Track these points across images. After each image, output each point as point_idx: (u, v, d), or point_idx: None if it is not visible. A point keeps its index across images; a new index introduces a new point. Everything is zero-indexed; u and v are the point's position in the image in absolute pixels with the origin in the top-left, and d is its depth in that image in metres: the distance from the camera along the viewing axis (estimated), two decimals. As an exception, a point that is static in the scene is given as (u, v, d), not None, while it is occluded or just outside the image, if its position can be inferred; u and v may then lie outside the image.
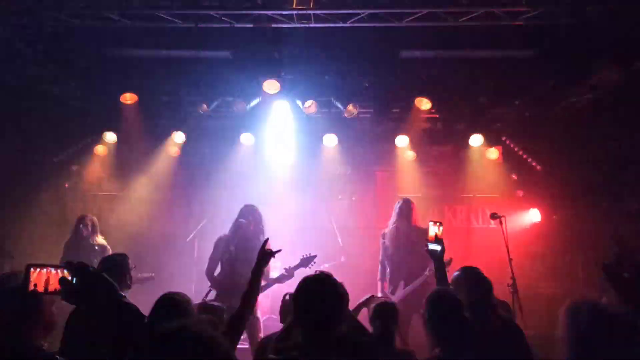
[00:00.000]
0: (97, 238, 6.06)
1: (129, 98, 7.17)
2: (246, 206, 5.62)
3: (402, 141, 7.73)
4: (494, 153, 7.65)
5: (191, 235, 7.68)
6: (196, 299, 4.95)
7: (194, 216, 8.13)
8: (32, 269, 1.67)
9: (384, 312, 3.47)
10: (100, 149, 7.83)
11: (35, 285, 1.65)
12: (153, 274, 5.50)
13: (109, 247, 5.98)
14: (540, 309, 7.06)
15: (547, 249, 7.49)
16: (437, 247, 3.39)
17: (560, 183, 7.41)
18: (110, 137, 7.72)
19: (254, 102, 7.43)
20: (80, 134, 7.89)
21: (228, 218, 5.75)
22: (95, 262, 5.54)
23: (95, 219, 6.19)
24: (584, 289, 7.21)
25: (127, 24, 5.52)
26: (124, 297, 1.66)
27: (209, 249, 7.57)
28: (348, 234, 7.89)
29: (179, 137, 7.81)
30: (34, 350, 2.41)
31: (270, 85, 6.75)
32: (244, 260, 5.21)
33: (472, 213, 7.95)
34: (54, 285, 1.65)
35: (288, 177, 8.16)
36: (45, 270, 1.68)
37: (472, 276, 3.15)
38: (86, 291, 1.63)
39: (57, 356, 2.46)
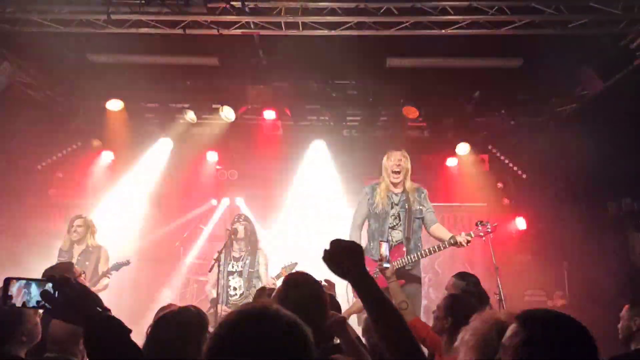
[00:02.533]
0: (91, 240, 5.76)
1: (115, 105, 7.11)
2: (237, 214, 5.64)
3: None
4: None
5: (177, 243, 7.62)
6: (181, 304, 4.93)
7: (181, 221, 8.07)
8: (10, 282, 1.62)
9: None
10: (85, 156, 7.73)
11: (11, 298, 1.60)
12: (129, 260, 5.58)
13: (104, 247, 5.77)
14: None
15: (532, 257, 7.54)
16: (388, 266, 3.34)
17: (545, 191, 7.48)
18: (96, 144, 7.63)
19: (241, 110, 7.41)
20: (65, 140, 7.78)
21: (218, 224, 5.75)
22: (90, 266, 5.52)
23: (89, 219, 5.90)
24: (569, 296, 7.27)
25: (113, 30, 5.47)
26: (109, 310, 1.61)
27: (194, 254, 7.58)
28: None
29: (166, 144, 7.74)
30: (13, 360, 2.37)
31: (258, 93, 6.74)
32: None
33: (458, 221, 7.98)
34: (35, 298, 1.60)
35: (275, 184, 8.16)
36: (24, 283, 1.62)
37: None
38: (69, 306, 1.58)
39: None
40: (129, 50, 6.29)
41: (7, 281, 1.62)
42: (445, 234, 4.80)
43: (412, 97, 7.23)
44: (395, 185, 5.04)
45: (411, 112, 7.20)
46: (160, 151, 7.84)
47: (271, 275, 5.40)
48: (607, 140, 6.17)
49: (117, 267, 5.51)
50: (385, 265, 3.23)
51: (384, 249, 3.29)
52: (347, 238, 4.70)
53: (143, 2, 5.20)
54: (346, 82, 7.41)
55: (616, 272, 6.60)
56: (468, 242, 4.59)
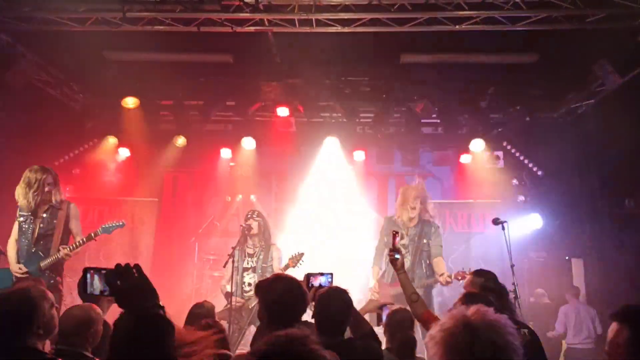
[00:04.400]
0: (56, 195, 4.81)
1: (130, 102, 7.19)
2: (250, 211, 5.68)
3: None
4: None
5: (192, 239, 7.69)
6: (195, 299, 4.99)
7: (195, 218, 8.15)
8: (89, 272, 1.71)
9: (401, 322, 3.42)
10: (102, 153, 7.84)
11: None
12: (123, 221, 4.94)
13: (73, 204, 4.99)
14: (540, 314, 7.07)
15: (547, 254, 7.48)
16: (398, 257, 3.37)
17: (561, 188, 7.40)
18: (112, 141, 7.73)
19: (254, 107, 7.45)
20: (82, 137, 7.89)
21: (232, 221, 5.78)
22: (59, 225, 4.75)
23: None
24: (584, 294, 7.20)
25: (129, 28, 5.53)
26: (162, 308, 1.65)
27: (209, 249, 7.64)
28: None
29: (180, 141, 7.81)
30: (34, 353, 2.41)
31: (271, 90, 6.76)
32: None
33: (473, 218, 7.93)
34: (97, 288, 1.68)
35: (288, 181, 8.19)
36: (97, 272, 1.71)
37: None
38: (127, 295, 1.62)
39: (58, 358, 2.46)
40: (144, 47, 6.35)
41: (86, 271, 1.71)
42: (440, 269, 5.35)
43: (426, 93, 7.21)
44: (410, 215, 5.59)
45: (425, 108, 7.18)
46: (175, 148, 7.92)
47: (279, 267, 5.44)
48: (624, 136, 6.08)
49: (109, 229, 4.80)
50: (396, 256, 3.22)
51: (397, 240, 3.31)
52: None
53: (158, 0, 5.27)
54: (359, 78, 7.40)
55: (633, 269, 6.51)
56: (447, 282, 5.17)
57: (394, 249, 3.22)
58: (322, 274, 3.11)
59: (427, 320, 3.00)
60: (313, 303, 2.84)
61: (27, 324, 2.44)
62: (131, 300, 1.59)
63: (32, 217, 4.76)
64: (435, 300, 5.74)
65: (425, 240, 5.56)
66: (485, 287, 3.07)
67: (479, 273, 3.22)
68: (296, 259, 5.25)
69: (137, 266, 1.65)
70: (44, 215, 4.78)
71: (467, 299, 2.75)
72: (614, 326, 1.53)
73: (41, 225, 4.73)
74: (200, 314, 3.50)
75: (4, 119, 6.36)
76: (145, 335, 1.55)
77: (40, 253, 4.69)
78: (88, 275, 1.71)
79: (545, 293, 7.33)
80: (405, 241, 5.58)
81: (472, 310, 1.55)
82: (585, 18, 5.24)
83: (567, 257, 7.27)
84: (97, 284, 1.69)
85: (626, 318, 1.53)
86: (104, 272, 1.68)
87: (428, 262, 5.53)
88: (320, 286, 3.00)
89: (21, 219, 4.80)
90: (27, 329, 2.45)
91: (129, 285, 1.60)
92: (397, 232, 3.36)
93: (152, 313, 1.59)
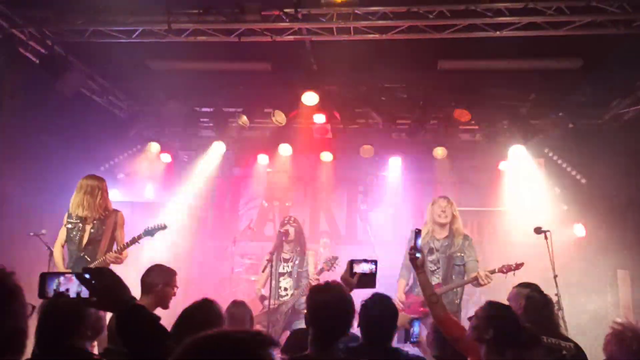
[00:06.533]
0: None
1: (172, 109, 7.42)
2: (286, 217, 5.73)
3: (440, 152, 7.67)
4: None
5: (230, 243, 7.83)
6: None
7: (232, 223, 8.31)
8: (47, 277, 1.78)
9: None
10: (144, 158, 8.10)
11: (46, 292, 1.76)
12: (165, 224, 4.99)
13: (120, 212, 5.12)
14: (585, 325, 6.83)
15: (591, 265, 7.22)
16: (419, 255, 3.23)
17: (606, 196, 7.15)
18: (154, 147, 7.98)
19: (292, 114, 7.54)
20: (126, 143, 8.18)
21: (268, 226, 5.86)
22: (107, 232, 4.90)
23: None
24: (628, 305, 6.92)
25: (173, 39, 5.71)
26: (135, 300, 1.75)
27: (245, 253, 7.76)
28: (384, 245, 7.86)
29: (219, 147, 7.99)
30: (81, 353, 2.52)
31: (309, 97, 6.84)
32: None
33: (512, 227, 7.76)
34: (74, 290, 1.76)
35: (324, 188, 8.25)
36: (62, 277, 1.78)
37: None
38: (103, 295, 1.72)
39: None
40: (186, 57, 6.54)
41: (44, 276, 1.77)
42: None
43: (464, 99, 7.12)
44: (440, 229, 5.21)
45: (463, 115, 7.10)
46: (214, 154, 8.11)
47: (315, 272, 5.47)
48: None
49: (152, 231, 4.92)
50: (417, 255, 3.14)
51: (418, 240, 3.20)
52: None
53: (201, 11, 5.43)
54: (396, 85, 7.39)
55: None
56: (488, 277, 4.70)
57: (415, 248, 3.15)
58: (366, 261, 3.01)
59: (448, 324, 2.96)
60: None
61: (75, 324, 2.54)
62: (111, 298, 1.68)
63: (81, 224, 4.94)
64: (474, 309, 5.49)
65: (459, 254, 5.12)
66: (530, 297, 3.01)
67: (523, 285, 3.16)
68: (331, 262, 5.29)
69: (105, 268, 1.76)
70: (94, 222, 4.95)
71: (493, 309, 2.64)
72: None
73: (92, 231, 4.92)
74: (237, 314, 3.59)
75: (53, 126, 6.66)
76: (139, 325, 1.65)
77: (87, 258, 4.89)
78: (47, 280, 1.76)
79: None
80: (434, 256, 5.16)
81: None
82: (632, 22, 5.08)
83: (610, 268, 6.99)
84: (72, 287, 1.73)
85: None
86: (67, 276, 1.74)
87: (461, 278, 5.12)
88: (364, 273, 2.95)
89: (69, 225, 4.97)
90: (76, 329, 2.55)
91: (105, 283, 1.69)
92: (419, 230, 3.21)
93: (134, 305, 1.69)
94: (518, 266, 4.70)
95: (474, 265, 5.06)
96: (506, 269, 4.66)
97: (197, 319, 2.66)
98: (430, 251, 5.15)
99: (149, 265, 3.63)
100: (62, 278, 1.74)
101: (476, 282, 4.79)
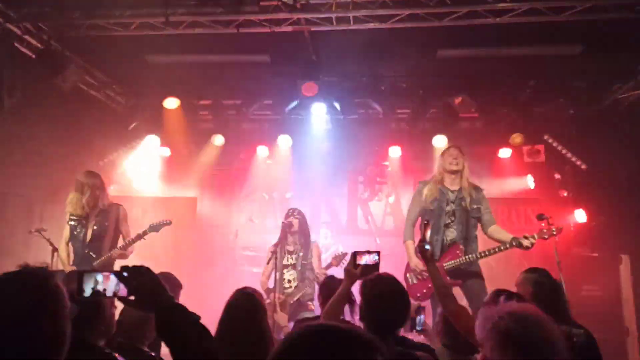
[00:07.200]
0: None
1: (170, 103, 7.37)
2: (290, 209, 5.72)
3: (440, 141, 7.65)
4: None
5: (231, 235, 7.83)
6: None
7: (233, 217, 8.31)
8: (84, 274, 1.75)
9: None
10: (143, 152, 8.06)
11: (83, 291, 1.73)
12: (170, 220, 5.02)
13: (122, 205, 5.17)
14: (585, 311, 6.87)
15: (592, 251, 7.26)
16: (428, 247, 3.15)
17: (606, 182, 7.16)
18: (153, 140, 7.93)
19: (292, 105, 7.51)
20: (125, 138, 8.13)
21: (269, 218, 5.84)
22: (110, 227, 4.97)
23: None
24: (628, 291, 6.96)
25: (171, 31, 5.66)
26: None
27: (247, 246, 7.76)
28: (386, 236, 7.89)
29: (218, 139, 7.96)
30: (95, 350, 2.52)
31: (308, 88, 6.79)
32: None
33: (513, 214, 7.78)
34: (111, 289, 1.73)
35: (324, 178, 8.23)
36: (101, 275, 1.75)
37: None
38: (142, 294, 1.69)
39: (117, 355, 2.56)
40: (183, 49, 6.49)
41: (81, 274, 1.75)
42: (506, 236, 4.60)
43: (464, 87, 7.10)
44: (452, 179, 4.89)
45: (463, 103, 7.08)
46: (213, 147, 8.08)
47: (319, 264, 5.48)
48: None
49: (157, 227, 4.94)
50: (426, 247, 3.08)
51: (427, 232, 3.16)
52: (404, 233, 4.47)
53: (198, 3, 5.38)
54: (395, 74, 7.35)
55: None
56: (532, 244, 4.42)
57: (424, 240, 3.08)
58: (369, 252, 2.96)
59: (459, 315, 2.90)
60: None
61: (91, 321, 2.54)
62: (150, 297, 1.65)
63: (84, 221, 4.96)
64: None
65: (475, 206, 4.76)
66: (538, 282, 3.00)
67: (531, 270, 3.15)
68: (339, 258, 5.28)
69: (144, 267, 1.71)
70: (97, 218, 4.97)
71: (499, 297, 2.60)
72: None
73: (94, 227, 4.92)
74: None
75: (51, 121, 6.61)
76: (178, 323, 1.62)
77: (92, 254, 4.89)
78: (84, 278, 1.72)
79: None
80: (449, 208, 4.80)
81: None
82: (636, 5, 5.05)
83: (618, 254, 7.01)
84: (109, 286, 1.70)
85: None
86: (106, 274, 1.70)
87: (476, 234, 4.83)
88: (367, 265, 2.90)
89: (72, 222, 4.99)
90: (91, 326, 2.55)
91: (144, 282, 1.66)
92: (428, 222, 3.19)
93: (173, 304, 1.66)
94: (559, 230, 4.41)
95: (490, 217, 4.83)
96: (548, 235, 4.39)
97: (242, 312, 2.68)
98: (446, 202, 4.82)
99: (154, 261, 3.60)
100: (99, 276, 1.71)
101: (519, 246, 4.46)
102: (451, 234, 4.80)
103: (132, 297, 1.70)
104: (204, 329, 1.67)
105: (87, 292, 1.71)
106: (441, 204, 4.83)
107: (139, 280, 1.67)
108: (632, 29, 5.43)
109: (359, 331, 1.10)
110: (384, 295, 2.45)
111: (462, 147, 5.11)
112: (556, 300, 2.89)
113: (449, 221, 4.80)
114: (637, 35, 5.52)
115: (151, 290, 1.66)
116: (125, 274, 1.68)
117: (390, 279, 2.58)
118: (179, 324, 1.63)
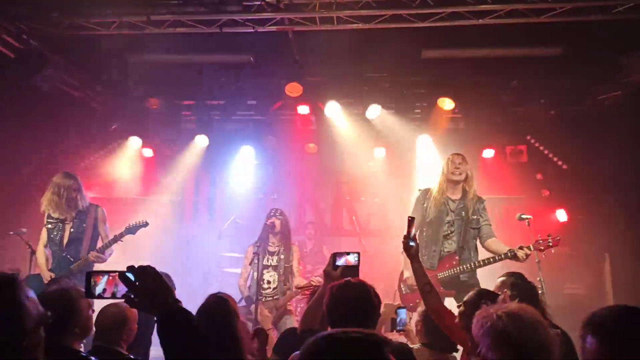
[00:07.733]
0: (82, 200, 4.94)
1: (153, 103, 7.28)
2: (272, 209, 5.68)
3: (422, 141, 7.69)
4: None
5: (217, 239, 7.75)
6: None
7: (217, 218, 8.23)
8: (92, 275, 1.73)
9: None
10: (125, 153, 7.95)
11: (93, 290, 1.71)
12: (146, 221, 4.99)
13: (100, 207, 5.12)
14: (565, 309, 6.95)
15: (573, 250, 7.36)
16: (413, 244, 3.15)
17: (587, 182, 7.27)
18: (136, 142, 7.83)
19: (276, 105, 7.48)
20: (106, 139, 8.02)
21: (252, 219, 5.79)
22: (88, 229, 4.88)
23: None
24: (609, 289, 7.08)
25: (153, 30, 5.59)
26: (179, 302, 1.68)
27: (231, 247, 7.70)
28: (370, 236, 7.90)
29: (202, 140, 7.89)
30: (68, 351, 2.47)
31: (292, 88, 6.78)
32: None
33: (496, 214, 7.83)
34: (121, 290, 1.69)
35: (309, 178, 8.23)
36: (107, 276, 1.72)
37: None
38: (147, 295, 1.65)
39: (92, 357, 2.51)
40: (166, 49, 6.42)
41: (89, 275, 1.72)
42: (503, 248, 4.59)
43: (447, 88, 7.15)
44: (454, 188, 4.88)
45: (446, 103, 7.12)
46: (196, 148, 7.99)
47: (298, 266, 5.52)
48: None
49: (133, 229, 4.87)
50: (411, 243, 3.08)
51: (412, 228, 3.14)
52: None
53: (180, 2, 5.32)
54: (379, 74, 7.37)
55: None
56: (528, 255, 4.42)
57: (409, 237, 3.08)
58: (348, 253, 2.92)
59: (438, 312, 2.94)
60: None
61: (66, 323, 2.49)
62: (154, 299, 1.62)
63: (61, 224, 4.87)
64: None
65: (474, 217, 4.75)
66: (514, 285, 3.04)
67: (508, 273, 3.20)
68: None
69: (149, 267, 1.67)
70: (74, 220, 4.88)
71: (480, 296, 2.61)
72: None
73: (72, 230, 4.83)
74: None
75: (31, 122, 6.49)
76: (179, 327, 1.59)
77: (69, 257, 4.80)
78: (92, 279, 1.71)
79: None
80: (449, 217, 4.78)
81: None
82: (612, 9, 5.13)
83: (600, 252, 7.11)
84: (108, 288, 1.69)
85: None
86: (112, 275, 1.69)
87: (476, 245, 4.81)
88: (347, 266, 2.87)
89: (50, 225, 4.90)
90: (66, 328, 2.51)
91: (148, 284, 1.63)
92: (413, 218, 3.15)
93: (177, 307, 1.63)
94: (556, 242, 4.39)
95: (489, 230, 4.81)
96: (544, 246, 4.37)
97: (215, 317, 2.65)
98: (446, 212, 4.80)
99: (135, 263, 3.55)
100: (107, 277, 1.69)
101: (514, 257, 4.46)
102: (449, 245, 4.81)
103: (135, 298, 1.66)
104: (204, 338, 1.63)
105: (96, 292, 1.70)
106: (441, 214, 4.82)
107: (143, 281, 1.63)
108: (612, 31, 5.52)
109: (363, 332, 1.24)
110: (347, 303, 2.37)
111: (445, 145, 5.12)
112: (533, 301, 2.92)
113: (449, 232, 4.81)
114: (616, 37, 5.62)
115: (154, 291, 1.63)
116: (129, 274, 1.64)
117: (356, 286, 2.47)
118: (181, 328, 1.59)
